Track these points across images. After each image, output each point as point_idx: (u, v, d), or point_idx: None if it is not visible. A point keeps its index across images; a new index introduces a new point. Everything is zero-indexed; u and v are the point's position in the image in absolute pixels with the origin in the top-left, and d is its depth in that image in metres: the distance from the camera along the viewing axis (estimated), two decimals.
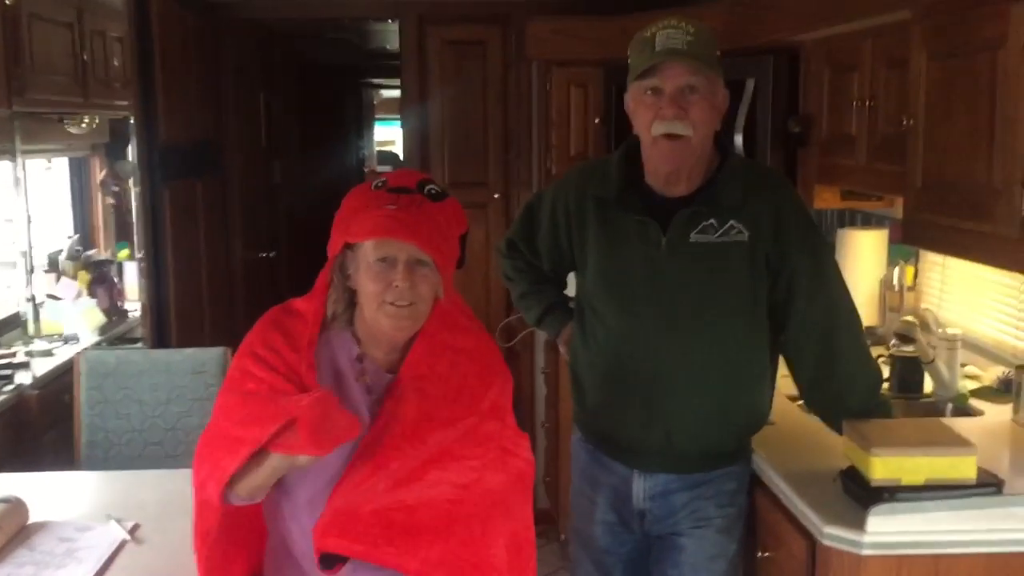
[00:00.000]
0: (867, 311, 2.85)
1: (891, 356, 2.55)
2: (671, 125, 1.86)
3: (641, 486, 2.06)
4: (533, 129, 4.11)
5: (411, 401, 1.61)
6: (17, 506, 2.10)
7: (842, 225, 3.14)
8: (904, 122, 2.13)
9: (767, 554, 2.02)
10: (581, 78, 3.74)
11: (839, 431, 1.89)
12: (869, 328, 2.83)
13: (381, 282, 1.57)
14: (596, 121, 3.72)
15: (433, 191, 1.59)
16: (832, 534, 1.72)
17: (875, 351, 2.32)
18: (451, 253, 1.61)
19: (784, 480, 1.94)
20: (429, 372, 1.64)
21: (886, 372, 2.44)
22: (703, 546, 2.03)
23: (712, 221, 1.92)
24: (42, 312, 3.91)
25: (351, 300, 1.65)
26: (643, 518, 2.08)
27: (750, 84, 2.99)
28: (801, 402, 2.23)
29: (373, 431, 1.60)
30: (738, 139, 3.00)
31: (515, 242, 2.30)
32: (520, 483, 1.70)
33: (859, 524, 1.70)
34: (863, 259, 2.92)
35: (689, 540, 2.03)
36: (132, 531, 2.08)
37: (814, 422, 2.10)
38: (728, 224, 1.92)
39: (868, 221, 3.11)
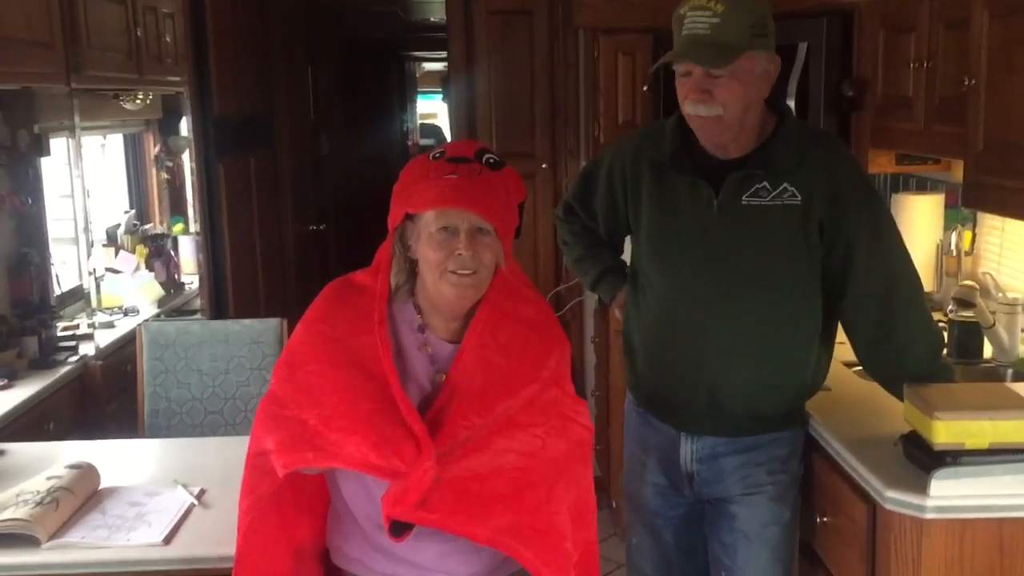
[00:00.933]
0: (923, 277, 2.79)
1: (950, 321, 2.52)
2: (695, 107, 1.89)
3: (688, 448, 2.07)
4: (580, 98, 4.09)
5: (476, 370, 1.62)
6: (89, 471, 2.17)
7: (896, 190, 3.10)
8: (965, 82, 2.09)
9: (826, 519, 2.02)
10: (629, 46, 3.71)
11: (899, 396, 1.87)
12: (926, 294, 2.80)
13: (443, 250, 1.58)
14: (644, 89, 3.69)
15: (491, 160, 1.61)
16: (894, 498, 1.71)
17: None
18: (511, 221, 1.62)
19: (843, 445, 1.93)
20: (492, 341, 1.65)
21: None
22: (756, 513, 2.03)
23: (765, 184, 1.92)
24: (102, 285, 3.99)
25: (412, 271, 1.66)
26: (692, 481, 2.09)
27: (802, 48, 2.94)
28: (857, 368, 2.22)
29: (439, 401, 1.62)
30: (790, 103, 2.96)
31: (572, 206, 2.32)
32: (581, 449, 1.71)
33: (922, 488, 1.69)
34: (919, 224, 2.87)
35: (741, 508, 2.04)
36: (199, 496, 2.13)
37: (870, 387, 2.09)
38: (782, 187, 1.92)
39: (923, 186, 3.06)
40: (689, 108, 1.91)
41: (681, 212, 2.00)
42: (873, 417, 2.04)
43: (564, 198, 2.39)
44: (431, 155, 1.62)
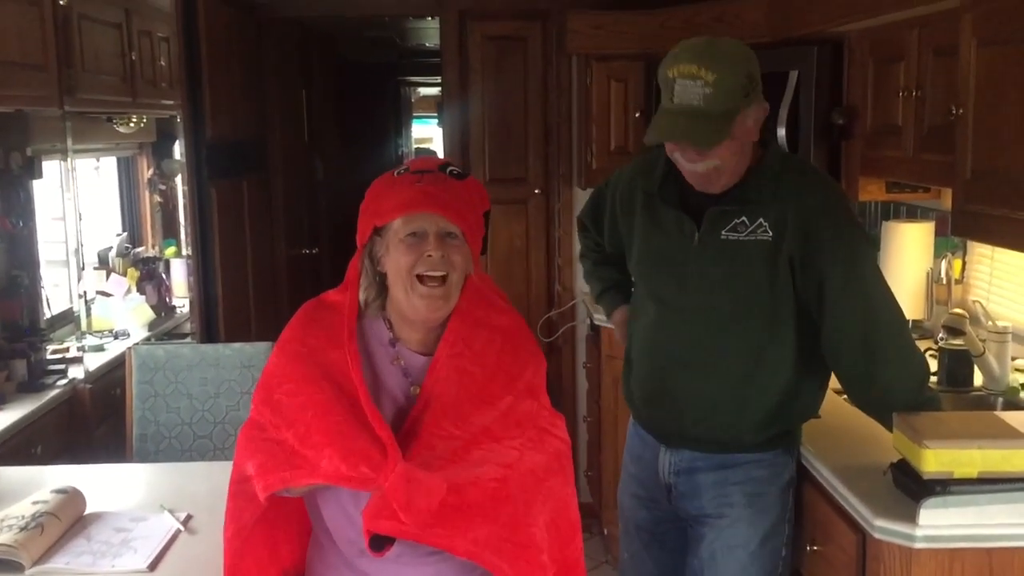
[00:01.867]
0: (913, 304, 2.82)
1: (939, 349, 2.52)
2: (693, 166, 1.92)
3: (667, 460, 2.11)
4: (573, 124, 4.11)
5: (450, 380, 1.62)
6: (74, 496, 2.15)
7: (887, 217, 3.11)
8: (953, 111, 2.11)
9: (816, 548, 2.01)
10: (621, 72, 3.74)
11: (888, 427, 1.87)
12: (916, 322, 2.81)
13: (413, 255, 1.58)
14: (637, 115, 3.72)
15: (455, 171, 1.64)
16: (883, 527, 1.71)
17: (922, 344, 2.30)
18: (478, 227, 1.64)
19: (832, 473, 1.93)
20: (466, 350, 1.64)
21: (934, 366, 2.41)
22: (721, 535, 2.04)
23: (743, 219, 1.95)
24: (93, 308, 3.98)
25: (382, 285, 1.66)
26: (669, 493, 2.12)
27: (793, 76, 2.96)
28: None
29: (414, 411, 1.61)
30: (781, 132, 2.98)
31: (584, 222, 2.44)
32: (558, 462, 1.70)
33: (911, 517, 1.68)
34: (909, 252, 2.88)
35: (709, 529, 2.06)
36: (185, 522, 2.12)
37: (861, 415, 2.08)
38: (757, 222, 1.94)
39: (913, 213, 3.07)
40: (685, 165, 1.93)
41: (667, 241, 2.05)
42: (864, 445, 2.04)
43: (579, 214, 2.52)
44: (395, 172, 1.64)
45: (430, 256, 1.58)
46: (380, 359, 1.67)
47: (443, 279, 1.60)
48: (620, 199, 2.19)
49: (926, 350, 2.36)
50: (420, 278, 1.59)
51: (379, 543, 1.54)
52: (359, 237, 1.65)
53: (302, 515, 1.76)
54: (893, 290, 1.97)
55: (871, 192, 2.90)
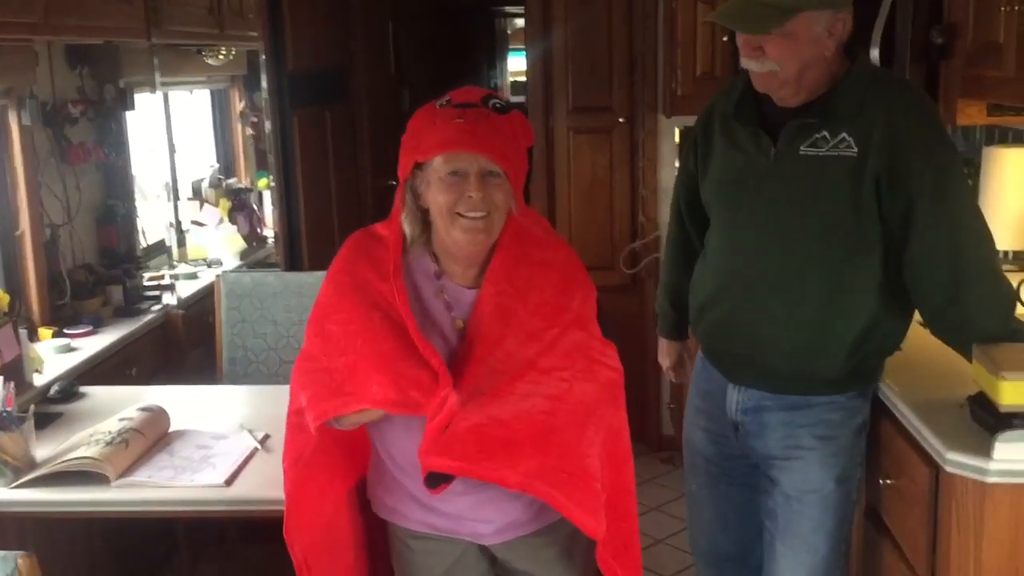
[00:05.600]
0: (1016, 234, 2.66)
1: None
2: (748, 63, 1.85)
3: (735, 398, 2.04)
4: (659, 51, 3.99)
5: (494, 317, 1.62)
6: (159, 414, 2.25)
7: (990, 142, 2.94)
8: None
9: (889, 481, 1.96)
10: None
11: (968, 358, 1.78)
12: (1017, 253, 2.66)
13: (453, 194, 1.57)
14: (724, 40, 3.57)
15: (497, 104, 1.60)
16: (956, 460, 1.64)
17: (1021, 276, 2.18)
18: (521, 164, 1.61)
19: (907, 405, 1.86)
20: (508, 287, 1.64)
21: None
22: (795, 478, 1.97)
23: (824, 133, 1.83)
24: (187, 238, 4.12)
25: (425, 220, 1.66)
26: (737, 431, 2.05)
27: None
28: None
29: (461, 348, 1.62)
30: (874, 53, 2.82)
31: (676, 188, 2.30)
32: (610, 392, 1.69)
33: (985, 451, 1.61)
34: (1012, 179, 2.72)
35: (781, 471, 1.98)
36: (263, 441, 2.19)
37: (946, 349, 1.98)
38: (840, 136, 1.82)
39: (1020, 138, 2.89)
40: (743, 62, 1.86)
41: (743, 161, 1.95)
42: (945, 379, 1.95)
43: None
44: (437, 103, 1.62)
45: (471, 196, 1.57)
46: (426, 292, 1.68)
47: (484, 217, 1.59)
48: (697, 131, 2.10)
49: (1009, 283, 2.23)
50: (460, 215, 1.59)
51: (435, 481, 1.56)
52: (400, 171, 1.64)
53: (363, 441, 1.80)
54: (995, 220, 1.85)
55: (971, 115, 2.72)
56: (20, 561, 1.46)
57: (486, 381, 1.58)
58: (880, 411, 2.01)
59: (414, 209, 1.65)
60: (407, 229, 1.67)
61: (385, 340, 1.59)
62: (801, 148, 1.85)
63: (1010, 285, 1.87)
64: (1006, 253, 2.60)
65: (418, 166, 1.61)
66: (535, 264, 1.67)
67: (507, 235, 1.65)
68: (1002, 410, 1.60)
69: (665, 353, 2.40)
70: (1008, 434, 1.60)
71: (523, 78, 10.72)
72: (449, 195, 1.57)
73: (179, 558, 3.08)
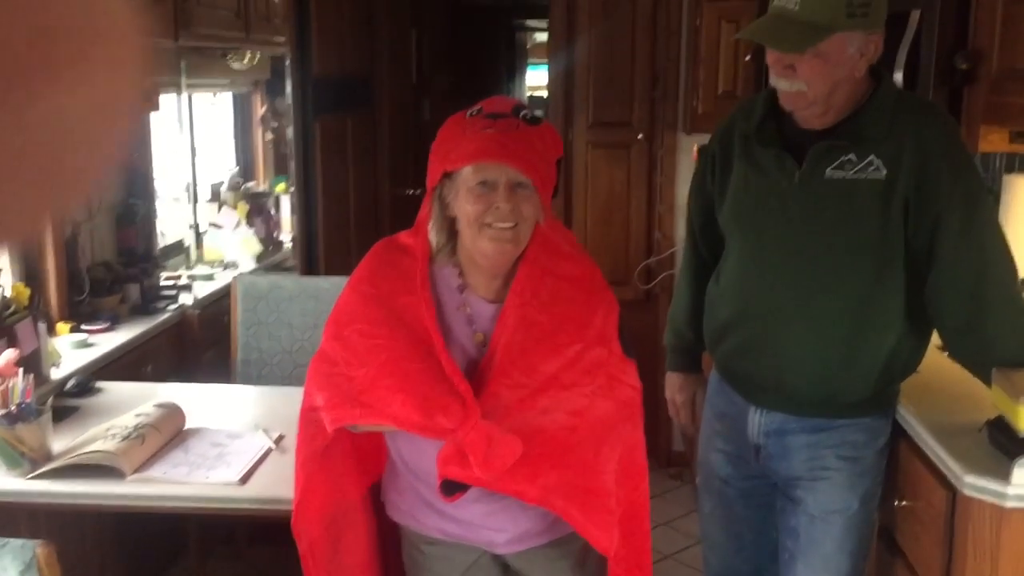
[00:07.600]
0: None
1: None
2: (778, 82, 1.83)
3: (757, 421, 2.01)
4: (681, 68, 4.01)
5: (518, 329, 1.61)
6: (175, 411, 2.26)
7: (1010, 171, 2.93)
8: None
9: (904, 503, 1.95)
10: (732, 13, 3.61)
11: (987, 382, 1.78)
12: None
13: (482, 204, 1.56)
14: (747, 59, 3.59)
15: (528, 115, 1.59)
16: (974, 484, 1.64)
17: None
18: (550, 176, 1.60)
19: (925, 428, 1.86)
20: (533, 299, 1.63)
21: None
22: (820, 499, 1.95)
23: (851, 156, 1.82)
24: (205, 239, 4.14)
25: (452, 230, 1.65)
26: (758, 454, 2.04)
27: (915, 16, 2.79)
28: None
29: (483, 361, 1.62)
30: (898, 76, 2.83)
31: (689, 205, 2.26)
32: (628, 409, 1.70)
33: (1004, 475, 1.61)
34: None
35: (806, 492, 1.97)
36: (277, 441, 2.20)
37: (963, 371, 1.98)
38: (868, 159, 1.81)
39: None
40: (772, 80, 1.86)
41: (766, 183, 1.93)
42: (963, 402, 1.95)
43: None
44: (468, 113, 1.61)
45: (499, 207, 1.56)
46: (448, 306, 1.67)
47: (512, 228, 1.59)
48: (715, 150, 2.07)
49: None
50: (488, 225, 1.58)
51: (450, 488, 1.56)
52: (429, 179, 1.64)
53: (380, 444, 1.80)
54: (1015, 247, 1.85)
55: (993, 142, 2.72)
56: (39, 550, 1.47)
57: (508, 395, 1.57)
58: (897, 432, 2.00)
59: (441, 219, 1.64)
60: (433, 238, 1.66)
61: (409, 359, 1.58)
62: (827, 170, 1.84)
63: None
64: None
65: (447, 175, 1.61)
66: (561, 278, 1.66)
67: (533, 247, 1.64)
68: (1022, 435, 1.60)
69: (678, 388, 2.29)
70: None
71: (541, 92, 10.81)
72: (478, 205, 1.57)
73: (188, 555, 3.09)
